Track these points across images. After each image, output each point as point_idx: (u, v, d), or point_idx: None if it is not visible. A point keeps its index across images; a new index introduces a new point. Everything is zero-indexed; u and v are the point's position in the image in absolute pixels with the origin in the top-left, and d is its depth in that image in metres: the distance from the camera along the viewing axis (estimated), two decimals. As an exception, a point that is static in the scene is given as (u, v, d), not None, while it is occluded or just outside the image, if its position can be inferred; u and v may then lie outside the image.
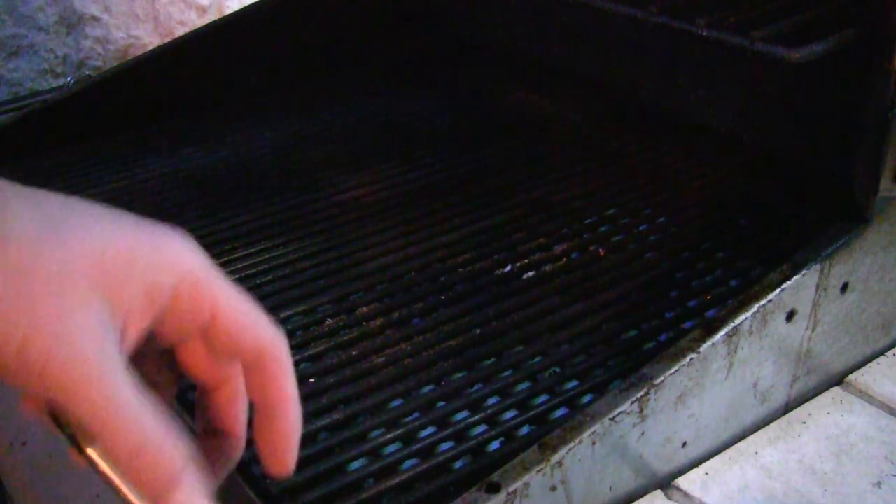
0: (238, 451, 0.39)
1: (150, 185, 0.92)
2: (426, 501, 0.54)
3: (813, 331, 0.64)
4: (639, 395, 0.54)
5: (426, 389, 0.63)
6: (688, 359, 0.56)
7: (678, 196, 0.85)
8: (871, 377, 0.69)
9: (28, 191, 0.31)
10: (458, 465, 0.57)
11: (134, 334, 0.32)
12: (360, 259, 0.77)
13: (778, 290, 0.59)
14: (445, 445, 0.58)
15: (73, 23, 1.40)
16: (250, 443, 0.58)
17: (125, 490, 0.32)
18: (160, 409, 0.32)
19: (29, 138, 0.96)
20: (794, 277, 0.60)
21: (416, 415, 0.60)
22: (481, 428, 0.59)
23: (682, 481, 0.60)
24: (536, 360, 0.65)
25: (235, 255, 0.78)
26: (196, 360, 0.36)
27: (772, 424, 0.65)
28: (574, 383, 0.62)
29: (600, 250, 0.77)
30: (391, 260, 0.77)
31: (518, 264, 0.75)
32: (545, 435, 0.52)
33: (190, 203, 0.88)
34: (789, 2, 0.67)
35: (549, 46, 1.06)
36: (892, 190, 0.63)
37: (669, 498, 0.59)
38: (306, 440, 0.58)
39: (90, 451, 0.31)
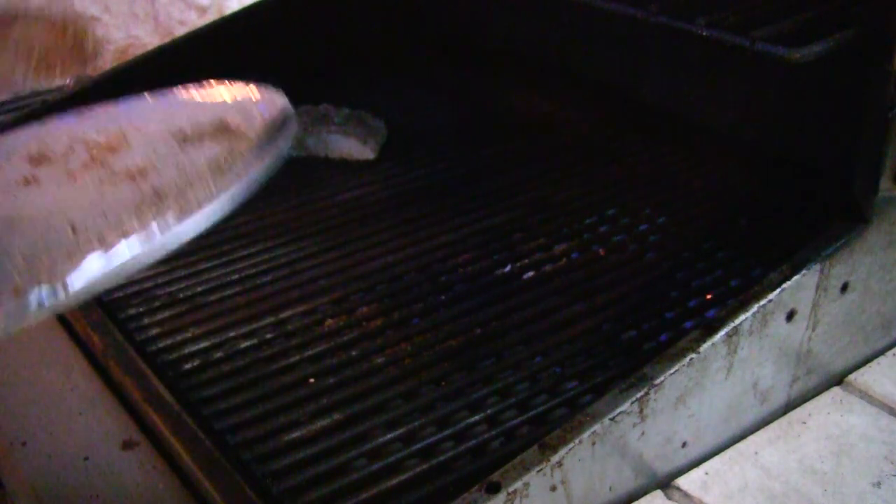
0: None
1: (151, 185, 0.91)
2: (426, 501, 0.54)
3: (813, 331, 0.64)
4: (639, 395, 0.54)
5: (426, 389, 0.63)
6: (688, 359, 0.56)
7: (678, 196, 0.85)
8: (871, 377, 0.69)
9: None
10: (458, 465, 0.57)
11: None
12: (360, 259, 0.77)
13: (778, 290, 0.59)
14: (445, 445, 0.58)
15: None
16: (250, 444, 0.58)
17: None
18: None
19: (29, 138, 0.96)
20: (794, 277, 0.60)
21: (416, 415, 0.60)
22: (481, 428, 0.59)
23: (682, 481, 0.60)
24: (536, 360, 0.65)
25: (236, 256, 0.78)
26: None
27: (772, 424, 0.65)
28: (574, 383, 0.63)
29: (600, 250, 0.77)
30: (391, 260, 0.77)
31: (518, 264, 0.75)
32: (545, 435, 0.52)
33: (190, 203, 0.88)
34: (789, 2, 0.67)
35: (549, 46, 1.06)
36: (892, 190, 0.63)
37: (669, 498, 0.59)
38: (307, 440, 0.58)
39: None
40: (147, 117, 0.60)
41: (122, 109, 0.61)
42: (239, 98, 0.61)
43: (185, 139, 0.55)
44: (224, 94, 0.62)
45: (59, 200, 0.51)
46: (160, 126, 0.57)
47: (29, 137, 0.61)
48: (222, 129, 0.55)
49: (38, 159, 0.57)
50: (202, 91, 0.62)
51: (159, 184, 0.49)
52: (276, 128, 0.55)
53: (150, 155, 0.54)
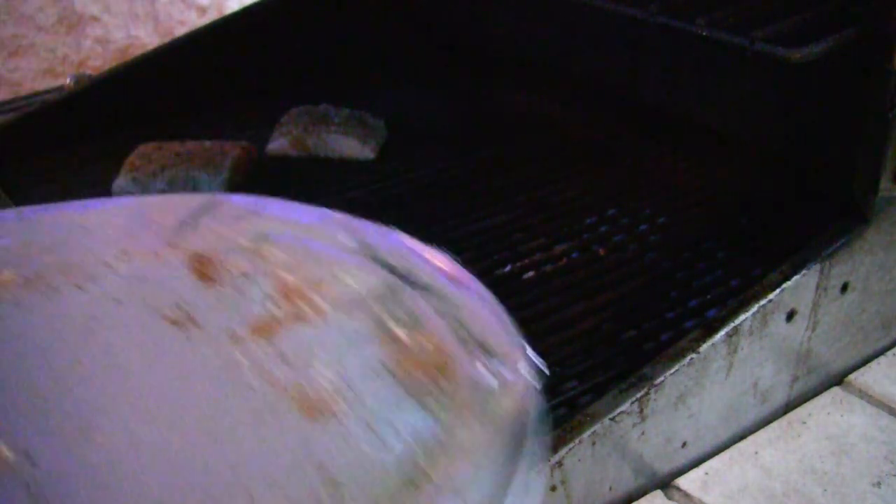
0: None
1: (150, 185, 0.91)
2: (426, 501, 0.54)
3: (813, 331, 0.64)
4: (639, 395, 0.54)
5: (426, 389, 0.63)
6: (688, 359, 0.56)
7: (678, 196, 0.85)
8: (871, 377, 0.69)
9: None
10: (458, 465, 0.57)
11: None
12: (360, 259, 0.77)
13: (778, 290, 0.59)
14: (445, 445, 0.58)
15: (73, 23, 1.40)
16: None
17: None
18: None
19: (29, 138, 0.96)
20: (794, 277, 0.60)
21: (416, 415, 0.60)
22: (481, 428, 0.59)
23: (682, 481, 0.60)
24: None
25: (235, 256, 0.78)
26: None
27: (772, 424, 0.65)
28: (574, 383, 0.62)
29: (600, 250, 0.77)
30: (391, 260, 0.77)
31: (518, 264, 0.75)
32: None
33: (190, 203, 0.88)
34: (789, 2, 0.67)
35: (549, 47, 1.06)
36: (892, 190, 0.63)
37: (669, 498, 0.59)
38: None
39: None
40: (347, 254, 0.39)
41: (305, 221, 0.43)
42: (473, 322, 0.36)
43: (396, 359, 0.32)
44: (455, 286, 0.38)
45: (179, 409, 0.30)
46: (367, 279, 0.37)
47: (204, 205, 0.43)
48: (441, 373, 0.32)
49: (203, 266, 0.38)
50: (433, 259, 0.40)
51: (336, 466, 0.27)
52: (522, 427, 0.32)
53: (339, 363, 0.32)
